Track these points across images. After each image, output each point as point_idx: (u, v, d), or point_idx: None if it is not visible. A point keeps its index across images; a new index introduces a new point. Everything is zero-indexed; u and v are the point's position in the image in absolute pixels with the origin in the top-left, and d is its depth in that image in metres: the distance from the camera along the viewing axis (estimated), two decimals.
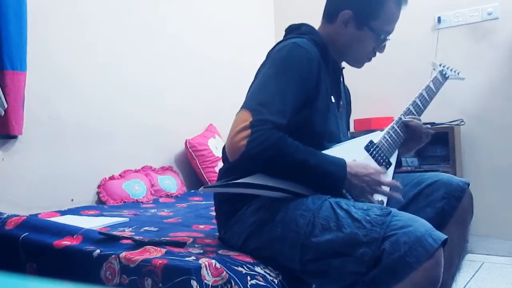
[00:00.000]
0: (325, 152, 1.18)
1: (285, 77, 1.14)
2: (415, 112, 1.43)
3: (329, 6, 1.34)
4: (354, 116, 1.61)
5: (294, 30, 1.32)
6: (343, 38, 1.30)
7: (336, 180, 1.12)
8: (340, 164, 1.13)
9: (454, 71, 1.64)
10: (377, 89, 2.95)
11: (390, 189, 1.20)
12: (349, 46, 1.31)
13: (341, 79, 1.40)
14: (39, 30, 1.91)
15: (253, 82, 1.24)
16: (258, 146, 1.05)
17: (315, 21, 1.37)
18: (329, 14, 1.33)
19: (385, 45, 1.34)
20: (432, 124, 2.58)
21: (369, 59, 1.36)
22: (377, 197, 1.25)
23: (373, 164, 1.25)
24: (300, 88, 1.16)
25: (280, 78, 1.14)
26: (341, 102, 1.37)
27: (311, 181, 1.13)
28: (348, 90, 1.51)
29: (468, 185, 1.31)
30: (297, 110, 1.16)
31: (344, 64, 1.40)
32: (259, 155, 1.05)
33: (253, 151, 1.04)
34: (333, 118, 1.27)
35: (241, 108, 1.13)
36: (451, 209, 1.28)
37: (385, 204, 1.26)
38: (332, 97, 1.28)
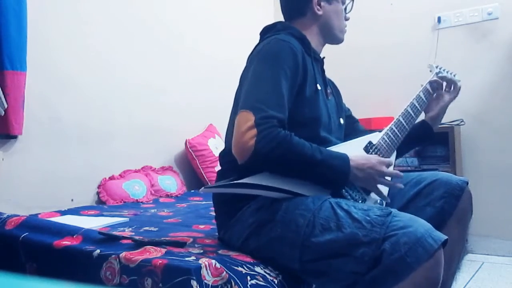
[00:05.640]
0: None
1: (276, 71, 1.16)
2: (413, 114, 1.44)
3: (291, 5, 1.40)
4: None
5: (269, 30, 1.35)
6: (322, 21, 1.38)
7: (341, 174, 1.13)
8: (344, 158, 1.15)
9: (451, 73, 1.65)
10: (377, 89, 2.95)
11: (391, 179, 1.22)
12: (330, 23, 1.39)
13: (323, 69, 1.42)
14: (39, 30, 1.91)
15: (240, 86, 1.25)
16: (267, 144, 1.06)
17: None
18: (297, 10, 1.39)
19: (352, 5, 1.45)
20: None
21: (346, 26, 1.45)
22: (376, 198, 1.25)
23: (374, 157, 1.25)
24: (291, 80, 1.18)
25: (271, 74, 1.16)
26: (328, 90, 1.39)
27: (317, 176, 1.14)
28: (332, 81, 1.53)
29: (467, 183, 1.32)
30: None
31: (325, 54, 1.45)
32: (269, 153, 1.06)
33: (263, 150, 1.06)
34: (322, 105, 1.29)
35: (240, 109, 1.13)
36: (450, 208, 1.28)
37: (384, 205, 1.26)
38: (318, 84, 1.30)
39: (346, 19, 1.44)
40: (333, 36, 1.42)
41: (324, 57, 1.43)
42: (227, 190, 1.17)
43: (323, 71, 1.41)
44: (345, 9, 1.43)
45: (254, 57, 1.23)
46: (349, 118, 1.54)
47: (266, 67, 1.18)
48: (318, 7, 1.37)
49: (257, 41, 1.34)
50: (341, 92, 1.55)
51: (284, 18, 1.43)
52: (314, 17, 1.37)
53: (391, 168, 1.25)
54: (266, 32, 1.35)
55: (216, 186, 1.18)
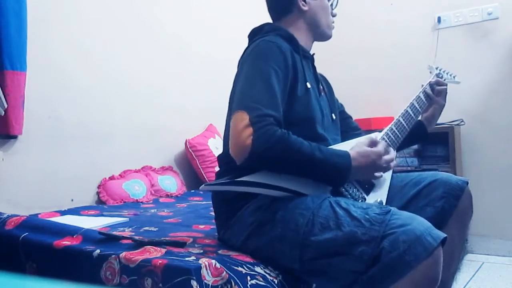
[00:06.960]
0: None
1: (267, 72, 1.16)
2: (413, 114, 1.44)
3: (277, 3, 1.42)
4: (354, 116, 1.62)
5: (257, 33, 1.35)
6: (308, 17, 1.39)
7: (342, 171, 1.13)
8: (345, 155, 1.15)
9: (450, 75, 1.66)
10: (377, 89, 2.95)
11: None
12: (317, 19, 1.40)
13: (314, 66, 1.43)
14: (39, 30, 1.91)
15: (233, 89, 1.24)
16: (265, 143, 1.05)
17: None
18: (283, 8, 1.40)
19: (337, 1, 1.45)
20: None
21: (333, 22, 1.46)
22: (376, 198, 1.26)
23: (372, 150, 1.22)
24: (282, 80, 1.18)
25: (262, 74, 1.16)
26: (320, 87, 1.39)
27: (318, 175, 1.14)
28: (324, 76, 1.53)
29: (467, 183, 1.32)
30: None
31: (315, 50, 1.44)
32: (266, 151, 1.06)
33: (260, 148, 1.05)
34: (315, 102, 1.28)
35: (234, 110, 1.13)
36: (450, 208, 1.28)
37: (384, 204, 1.26)
38: (309, 83, 1.29)
39: (333, 15, 1.44)
40: (321, 32, 1.42)
41: (314, 54, 1.43)
42: (227, 188, 1.17)
43: (314, 68, 1.41)
44: (331, 5, 1.43)
45: (245, 60, 1.24)
46: (342, 113, 1.54)
47: (257, 68, 1.18)
48: (303, 2, 1.37)
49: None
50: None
51: (272, 18, 1.43)
52: (300, 14, 1.38)
53: (389, 175, 1.28)
54: (255, 34, 1.35)
55: (216, 183, 1.18)
